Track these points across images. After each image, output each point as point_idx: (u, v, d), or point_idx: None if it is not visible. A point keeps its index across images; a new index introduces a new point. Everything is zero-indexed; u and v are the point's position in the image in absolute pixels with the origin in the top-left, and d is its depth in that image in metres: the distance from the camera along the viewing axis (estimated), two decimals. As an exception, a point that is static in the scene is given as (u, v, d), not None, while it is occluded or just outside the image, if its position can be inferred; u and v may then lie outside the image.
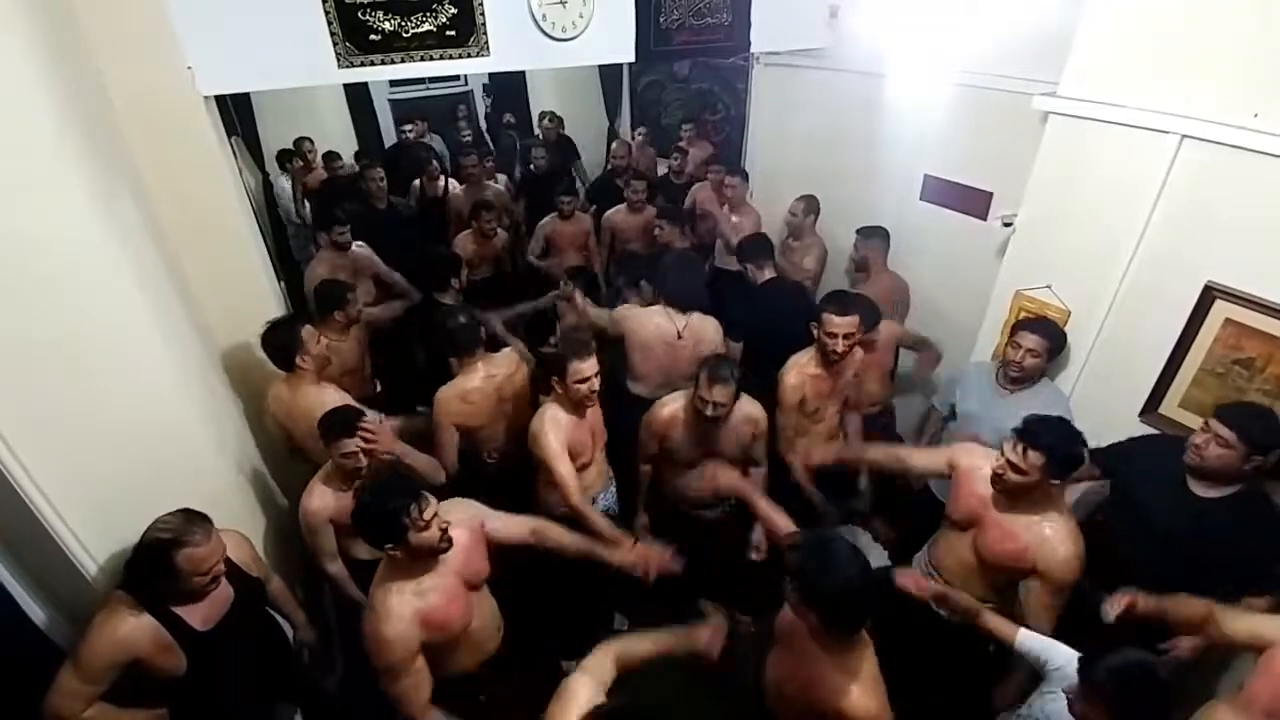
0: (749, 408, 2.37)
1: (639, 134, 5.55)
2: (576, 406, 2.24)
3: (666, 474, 2.53)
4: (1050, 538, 1.80)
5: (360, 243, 3.63)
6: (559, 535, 1.98)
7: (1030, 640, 1.71)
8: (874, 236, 3.27)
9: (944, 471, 2.07)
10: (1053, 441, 1.74)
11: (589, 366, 2.16)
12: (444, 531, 1.62)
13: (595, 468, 2.42)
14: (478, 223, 3.98)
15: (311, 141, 5.26)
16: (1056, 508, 1.85)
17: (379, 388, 3.33)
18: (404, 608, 1.61)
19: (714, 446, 2.37)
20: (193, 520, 1.55)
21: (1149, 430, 2.23)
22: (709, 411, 2.20)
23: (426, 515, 1.57)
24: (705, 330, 2.79)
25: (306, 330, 2.38)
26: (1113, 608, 1.73)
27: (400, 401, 3.07)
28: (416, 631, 1.62)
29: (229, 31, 2.17)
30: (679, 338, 2.73)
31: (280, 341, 2.34)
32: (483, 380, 2.50)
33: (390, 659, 1.59)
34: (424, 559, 1.64)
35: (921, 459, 2.22)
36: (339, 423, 2.04)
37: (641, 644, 1.58)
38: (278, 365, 2.39)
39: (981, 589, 1.98)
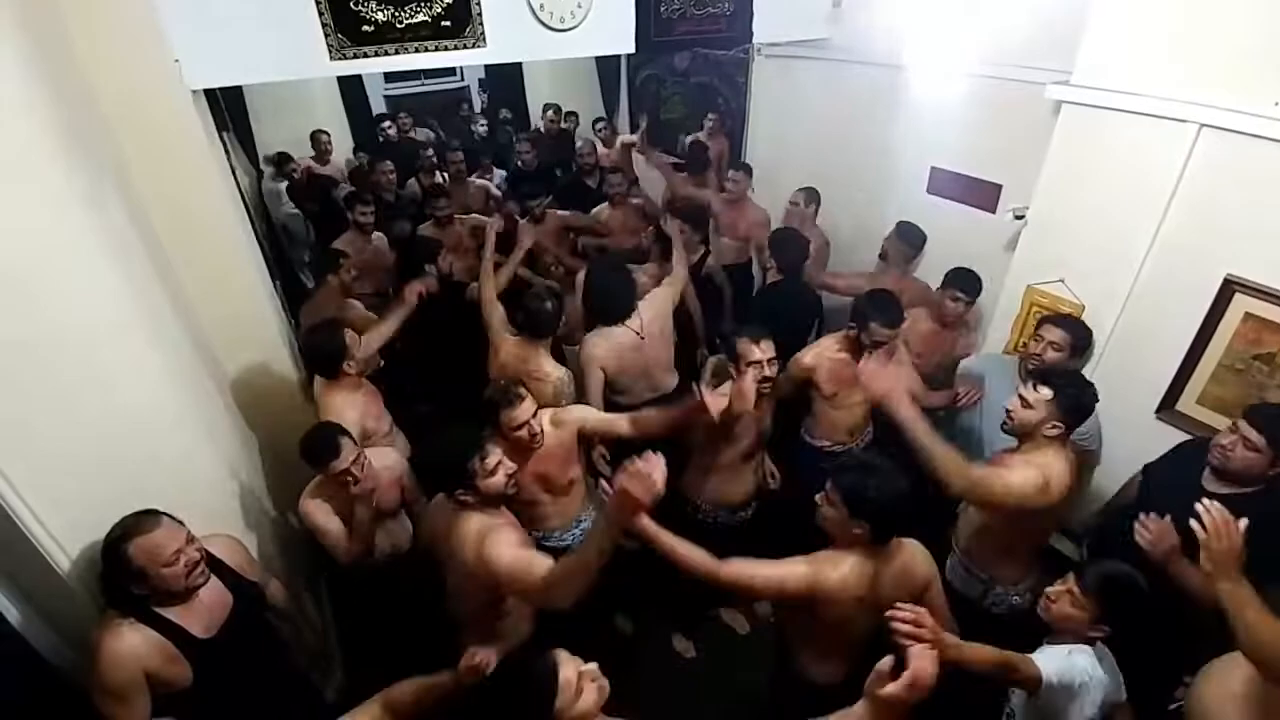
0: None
1: (600, 128, 5.49)
2: (519, 450, 2.07)
3: (700, 473, 2.38)
4: (1012, 468, 1.83)
5: (380, 234, 3.71)
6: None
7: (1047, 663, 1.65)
8: (905, 237, 3.06)
9: None
10: (1063, 383, 1.85)
11: (523, 411, 2.00)
12: (509, 477, 1.75)
13: (567, 501, 2.24)
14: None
15: (328, 134, 5.26)
16: (1049, 453, 1.84)
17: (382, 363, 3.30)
18: (497, 520, 1.73)
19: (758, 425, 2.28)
20: (140, 515, 1.52)
21: (1165, 427, 2.19)
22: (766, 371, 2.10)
23: (490, 463, 1.71)
24: (663, 306, 2.72)
25: (349, 335, 2.33)
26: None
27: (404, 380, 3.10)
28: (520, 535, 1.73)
29: (218, 23, 2.10)
30: (642, 339, 2.61)
31: (327, 347, 2.30)
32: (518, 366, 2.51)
33: (522, 569, 1.60)
34: (493, 504, 1.76)
35: None
36: (322, 445, 1.99)
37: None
38: (321, 373, 2.35)
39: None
